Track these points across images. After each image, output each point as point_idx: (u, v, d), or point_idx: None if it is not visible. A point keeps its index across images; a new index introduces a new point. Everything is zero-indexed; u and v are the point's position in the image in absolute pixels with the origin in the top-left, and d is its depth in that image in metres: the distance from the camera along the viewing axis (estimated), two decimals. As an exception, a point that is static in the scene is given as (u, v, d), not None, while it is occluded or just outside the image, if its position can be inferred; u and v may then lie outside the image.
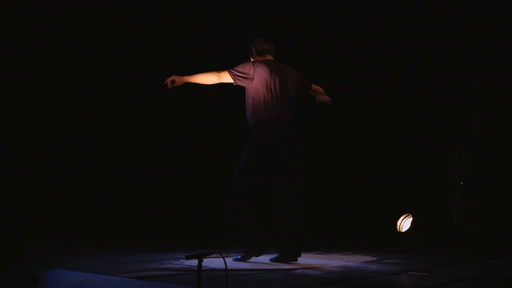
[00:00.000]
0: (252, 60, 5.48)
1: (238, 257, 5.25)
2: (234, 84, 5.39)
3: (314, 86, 5.73)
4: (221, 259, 3.57)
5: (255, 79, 5.32)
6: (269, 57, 5.49)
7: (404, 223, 6.79)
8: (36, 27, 7.05)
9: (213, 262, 4.98)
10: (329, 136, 8.01)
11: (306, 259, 5.57)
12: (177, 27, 7.67)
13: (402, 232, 6.79)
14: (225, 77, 5.33)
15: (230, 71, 5.33)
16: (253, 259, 5.29)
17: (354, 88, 7.69)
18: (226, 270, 3.70)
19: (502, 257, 5.98)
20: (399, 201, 7.21)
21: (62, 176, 7.26)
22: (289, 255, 5.25)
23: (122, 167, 7.59)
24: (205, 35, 7.72)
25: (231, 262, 5.13)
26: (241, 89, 5.73)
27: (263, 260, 5.41)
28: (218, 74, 5.32)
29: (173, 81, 5.28)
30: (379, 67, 7.60)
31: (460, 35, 7.23)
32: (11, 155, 6.95)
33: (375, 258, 5.74)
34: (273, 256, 5.31)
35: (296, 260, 5.25)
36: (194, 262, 3.39)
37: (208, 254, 3.46)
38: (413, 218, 6.73)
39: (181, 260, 5.17)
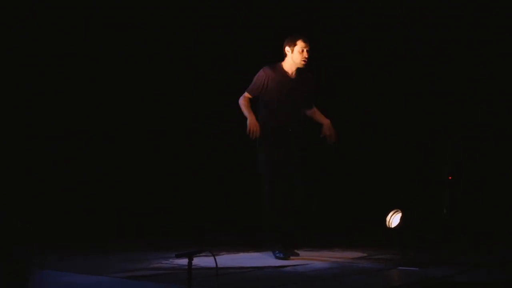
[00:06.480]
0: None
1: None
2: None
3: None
4: (213, 257, 3.55)
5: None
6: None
7: (393, 219, 6.80)
8: (36, 27, 7.04)
9: (204, 261, 4.96)
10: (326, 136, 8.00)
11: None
12: (177, 27, 7.67)
13: (391, 228, 6.79)
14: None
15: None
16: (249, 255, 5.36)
17: (353, 88, 7.69)
18: (216, 268, 3.67)
19: (493, 250, 6.01)
20: (390, 197, 7.22)
21: (62, 176, 7.25)
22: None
23: (122, 167, 7.58)
24: (205, 35, 7.71)
25: (221, 260, 5.12)
26: (241, 87, 5.76)
27: (255, 257, 5.43)
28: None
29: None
30: (379, 67, 7.60)
31: (460, 35, 7.23)
32: (11, 155, 6.94)
33: (365, 254, 5.74)
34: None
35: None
36: (184, 261, 3.38)
37: (198, 253, 3.44)
38: (402, 214, 6.73)
39: (171, 259, 5.13)
